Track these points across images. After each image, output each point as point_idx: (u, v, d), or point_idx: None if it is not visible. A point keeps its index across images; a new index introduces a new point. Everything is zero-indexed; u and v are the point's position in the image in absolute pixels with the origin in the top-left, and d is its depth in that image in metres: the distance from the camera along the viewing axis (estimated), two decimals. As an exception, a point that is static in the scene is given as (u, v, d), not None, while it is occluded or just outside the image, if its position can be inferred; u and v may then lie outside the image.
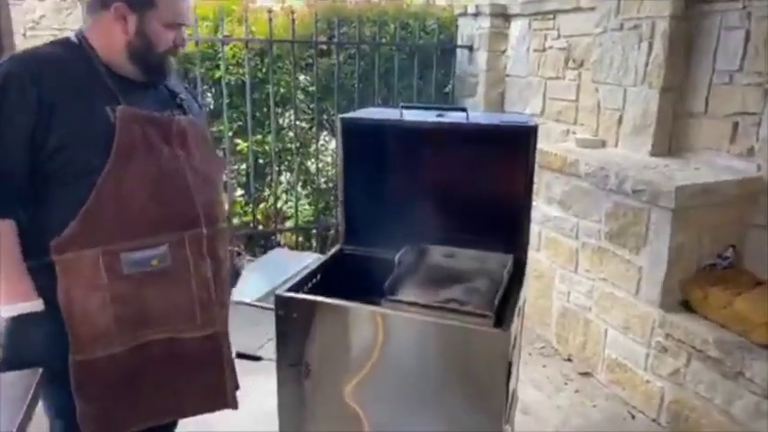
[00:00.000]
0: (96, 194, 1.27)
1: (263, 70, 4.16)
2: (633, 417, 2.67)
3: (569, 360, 3.14)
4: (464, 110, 1.90)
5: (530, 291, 3.18)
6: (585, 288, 3.00)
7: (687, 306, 2.53)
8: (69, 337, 1.31)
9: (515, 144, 1.86)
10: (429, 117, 1.96)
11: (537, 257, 3.31)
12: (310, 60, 4.26)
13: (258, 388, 2.71)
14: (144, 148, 1.33)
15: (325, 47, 4.31)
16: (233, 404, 1.61)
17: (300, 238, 4.44)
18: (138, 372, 1.40)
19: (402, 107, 1.96)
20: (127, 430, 1.45)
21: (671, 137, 2.93)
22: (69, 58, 1.33)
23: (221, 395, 1.57)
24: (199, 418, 2.52)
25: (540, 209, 3.21)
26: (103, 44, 1.36)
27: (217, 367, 1.54)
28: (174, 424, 1.84)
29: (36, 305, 1.29)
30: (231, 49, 4.10)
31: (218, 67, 4.01)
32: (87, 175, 1.27)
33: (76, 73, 1.32)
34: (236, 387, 1.68)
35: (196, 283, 1.43)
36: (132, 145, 1.31)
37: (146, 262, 1.34)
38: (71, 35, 1.38)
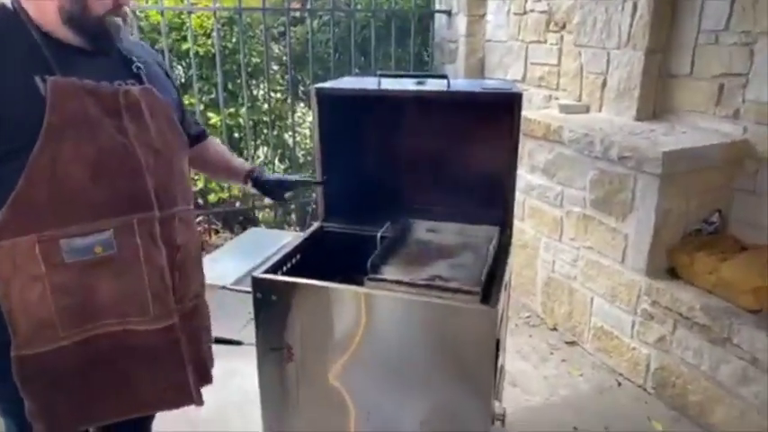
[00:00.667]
0: (27, 176, 1.15)
1: (234, 40, 3.99)
2: (620, 384, 2.67)
3: (555, 329, 3.13)
4: (445, 77, 1.81)
5: (514, 261, 3.15)
6: (571, 257, 2.97)
7: (673, 273, 2.51)
8: (9, 331, 1.21)
9: (499, 112, 1.79)
10: (408, 85, 1.87)
11: (521, 227, 3.26)
12: (282, 29, 4.10)
13: (241, 371, 2.67)
14: (81, 123, 1.19)
15: (297, 14, 4.14)
16: (197, 400, 1.48)
17: (279, 214, 4.34)
18: (89, 366, 1.29)
19: (380, 75, 1.86)
20: (81, 427, 1.37)
21: (655, 100, 2.87)
22: (1, 27, 1.19)
23: (183, 391, 1.44)
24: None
25: (524, 177, 3.15)
26: (36, 9, 1.21)
27: (176, 362, 1.40)
28: (150, 417, 1.76)
29: None
30: (199, 17, 3.92)
31: (185, 38, 3.83)
32: (16, 155, 1.15)
33: (7, 43, 1.18)
34: (206, 381, 1.56)
35: (148, 272, 1.30)
36: (66, 120, 1.17)
37: (88, 249, 1.22)
38: (7, 2, 1.23)
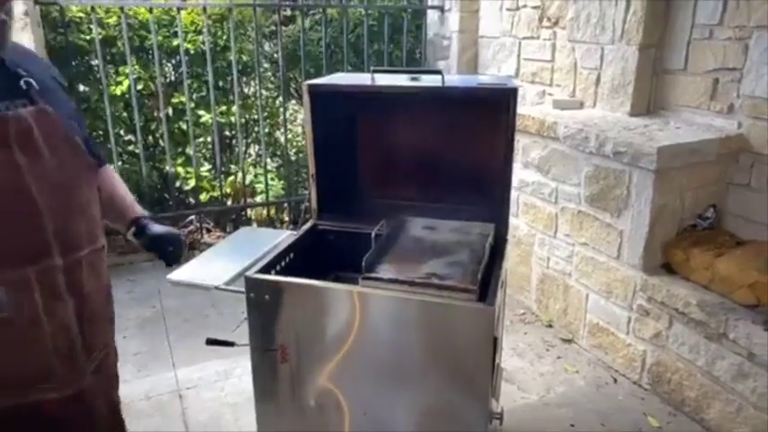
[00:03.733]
0: None
1: (224, 38, 3.94)
2: (616, 380, 2.66)
3: (550, 326, 3.12)
4: (439, 72, 1.79)
5: (509, 258, 3.13)
6: (565, 253, 2.96)
7: (669, 268, 2.50)
8: None
9: (494, 107, 1.77)
10: (402, 81, 1.84)
11: (515, 223, 3.25)
12: (274, 28, 4.06)
13: (235, 371, 2.65)
14: None
15: (289, 11, 4.10)
16: None
17: (272, 213, 4.31)
18: None
19: (373, 71, 1.84)
20: None
21: (650, 96, 2.86)
22: None
23: None
24: (176, 399, 2.43)
25: (518, 174, 3.14)
26: None
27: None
28: None
29: None
30: (189, 14, 3.87)
31: (175, 34, 3.78)
32: None
33: None
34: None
35: (51, 331, 1.10)
36: None
37: None
38: None
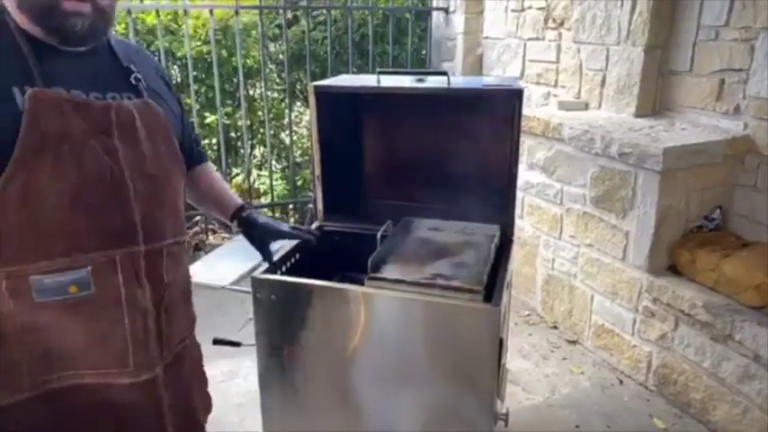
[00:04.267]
0: None
1: (229, 44, 3.96)
2: (621, 382, 2.66)
3: (555, 327, 3.12)
4: (444, 73, 1.79)
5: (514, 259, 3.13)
6: (570, 254, 2.95)
7: (674, 270, 2.49)
8: None
9: (500, 109, 1.77)
10: (408, 83, 1.85)
11: (520, 225, 3.25)
12: (277, 32, 4.07)
13: (240, 372, 2.65)
14: (63, 142, 1.02)
15: (294, 12, 4.12)
16: None
17: (277, 215, 4.32)
18: (55, 424, 1.11)
19: (379, 73, 1.84)
20: None
21: (655, 97, 2.86)
22: None
23: None
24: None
25: (523, 175, 3.14)
26: (9, 4, 1.03)
27: (158, 425, 1.22)
28: None
29: None
30: (195, 20, 3.89)
31: (180, 41, 3.81)
32: None
33: None
34: None
35: (129, 315, 1.13)
36: (45, 139, 1.00)
37: (61, 288, 1.05)
38: None
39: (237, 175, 4.27)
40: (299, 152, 4.39)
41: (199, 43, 3.90)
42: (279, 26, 4.01)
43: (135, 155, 1.12)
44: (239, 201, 1.57)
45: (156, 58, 3.68)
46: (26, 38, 1.04)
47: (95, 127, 1.07)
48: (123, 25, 3.69)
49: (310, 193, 4.31)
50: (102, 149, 1.07)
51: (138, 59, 1.24)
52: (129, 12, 3.48)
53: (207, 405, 1.47)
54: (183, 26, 3.67)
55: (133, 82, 1.18)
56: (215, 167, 1.69)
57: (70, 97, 1.05)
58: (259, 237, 1.56)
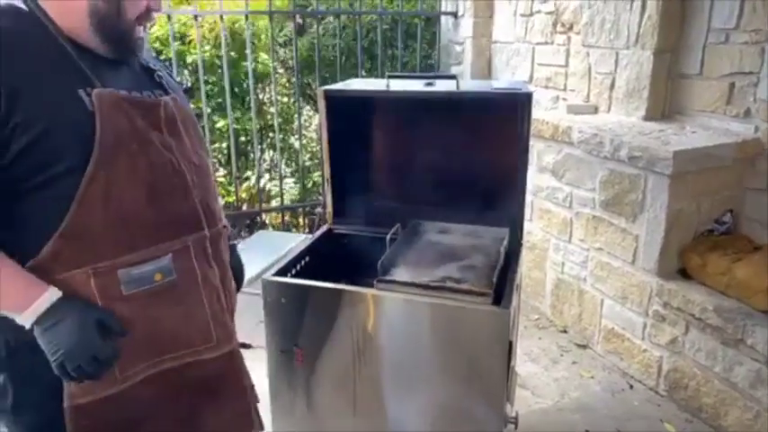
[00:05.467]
0: (80, 201, 1.02)
1: (238, 47, 4.00)
2: (632, 386, 2.64)
3: (565, 331, 3.11)
4: (454, 77, 1.80)
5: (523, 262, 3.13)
6: (580, 258, 2.95)
7: (685, 274, 2.48)
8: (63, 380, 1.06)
9: (509, 112, 1.78)
10: (417, 87, 1.86)
11: (529, 228, 3.24)
12: (288, 36, 4.11)
13: (253, 372, 2.66)
14: (132, 138, 1.08)
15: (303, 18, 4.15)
16: (259, 426, 1.40)
17: (287, 218, 4.34)
18: (152, 408, 1.17)
19: (388, 77, 1.86)
20: None
21: (665, 100, 2.85)
22: (23, 30, 1.03)
23: (246, 417, 1.36)
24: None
25: (532, 179, 3.13)
26: (61, 9, 1.06)
27: (239, 389, 1.32)
28: None
29: (53, 293, 1.02)
30: (207, 25, 3.94)
31: (188, 46, 3.86)
32: (66, 178, 1.01)
33: (35, 49, 1.02)
34: (257, 401, 1.46)
35: (207, 295, 1.20)
36: (118, 136, 1.05)
37: (148, 278, 1.10)
38: (17, 0, 1.07)
39: (248, 178, 4.29)
40: (308, 156, 4.41)
41: (208, 47, 3.94)
42: (287, 34, 4.04)
43: (182, 147, 1.19)
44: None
45: (168, 64, 3.75)
46: (71, 43, 1.07)
47: (151, 123, 1.13)
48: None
49: (320, 197, 4.33)
50: (161, 144, 1.13)
51: (150, 59, 1.30)
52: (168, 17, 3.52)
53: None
54: (194, 32, 3.71)
55: (157, 80, 1.23)
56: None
57: (128, 97, 1.10)
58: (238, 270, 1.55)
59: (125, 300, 1.09)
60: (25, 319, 1.01)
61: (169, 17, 3.58)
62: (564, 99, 3.43)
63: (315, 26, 3.98)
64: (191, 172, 1.19)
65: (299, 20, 4.01)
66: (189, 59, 3.94)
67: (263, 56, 4.06)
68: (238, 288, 1.55)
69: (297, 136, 4.26)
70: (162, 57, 3.82)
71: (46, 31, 1.05)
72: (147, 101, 1.15)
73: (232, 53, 4.03)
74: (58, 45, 1.05)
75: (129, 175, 1.08)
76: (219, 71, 3.87)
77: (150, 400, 1.16)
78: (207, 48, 3.95)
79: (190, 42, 3.97)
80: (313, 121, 4.57)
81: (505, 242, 1.78)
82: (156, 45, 3.82)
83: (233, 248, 1.53)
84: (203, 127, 3.84)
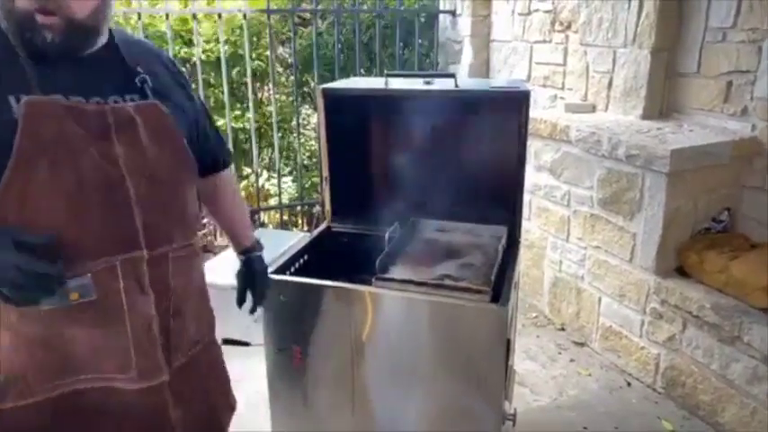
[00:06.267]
0: None
1: (238, 43, 4.00)
2: (629, 384, 2.66)
3: (563, 329, 3.12)
4: (452, 76, 1.80)
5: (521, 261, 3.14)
6: (578, 256, 2.96)
7: (682, 271, 2.49)
8: None
9: (507, 111, 1.78)
10: (416, 85, 1.86)
11: (527, 227, 3.25)
12: (288, 33, 4.11)
13: (249, 372, 2.66)
14: (58, 148, 1.01)
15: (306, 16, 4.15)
16: None
17: (285, 217, 4.34)
18: (66, 426, 1.12)
19: (387, 75, 1.86)
20: None
21: (662, 99, 2.86)
22: None
23: None
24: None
25: (530, 177, 3.14)
26: None
27: (163, 427, 1.21)
28: None
29: None
30: (204, 26, 3.93)
31: (188, 43, 3.85)
32: None
33: None
34: None
35: (132, 321, 1.11)
36: (41, 145, 0.99)
37: (64, 296, 1.04)
38: None
39: (247, 176, 4.30)
40: (306, 155, 4.41)
41: (205, 45, 3.94)
42: (288, 30, 4.05)
43: (138, 159, 1.10)
44: (249, 238, 1.57)
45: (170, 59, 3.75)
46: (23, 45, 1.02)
47: (92, 132, 1.05)
48: (134, 31, 3.74)
49: (318, 196, 4.33)
50: (101, 154, 1.05)
51: (146, 59, 1.20)
52: (139, 16, 3.53)
53: (229, 404, 1.46)
54: (192, 29, 3.71)
55: (138, 84, 1.14)
56: (235, 178, 1.66)
57: (65, 103, 1.03)
58: (252, 281, 1.57)
59: (41, 316, 1.05)
60: None
61: (167, 16, 3.58)
62: (562, 98, 3.44)
63: (313, 24, 3.98)
64: (139, 186, 1.09)
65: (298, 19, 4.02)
66: (203, 57, 3.94)
67: (265, 53, 4.06)
68: (257, 300, 1.56)
69: (295, 134, 4.27)
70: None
71: (3, 38, 1.02)
72: (88, 108, 1.05)
73: (233, 48, 4.02)
74: (12, 50, 1.01)
75: (49, 185, 1.01)
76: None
77: (59, 419, 1.12)
78: (205, 45, 3.95)
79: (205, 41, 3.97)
80: (311, 120, 4.58)
81: (503, 240, 1.78)
82: (159, 43, 3.82)
83: (251, 261, 1.54)
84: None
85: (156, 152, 1.13)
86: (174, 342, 1.21)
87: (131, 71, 1.15)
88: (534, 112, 3.14)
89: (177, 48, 3.80)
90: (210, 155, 1.41)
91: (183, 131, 1.21)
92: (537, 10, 3.58)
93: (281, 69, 4.36)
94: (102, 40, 1.13)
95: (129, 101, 1.12)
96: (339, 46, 4.09)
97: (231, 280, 1.72)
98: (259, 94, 4.32)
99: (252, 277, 1.56)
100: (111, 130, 1.07)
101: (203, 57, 3.87)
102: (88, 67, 1.09)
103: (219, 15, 3.72)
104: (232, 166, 1.58)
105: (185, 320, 1.24)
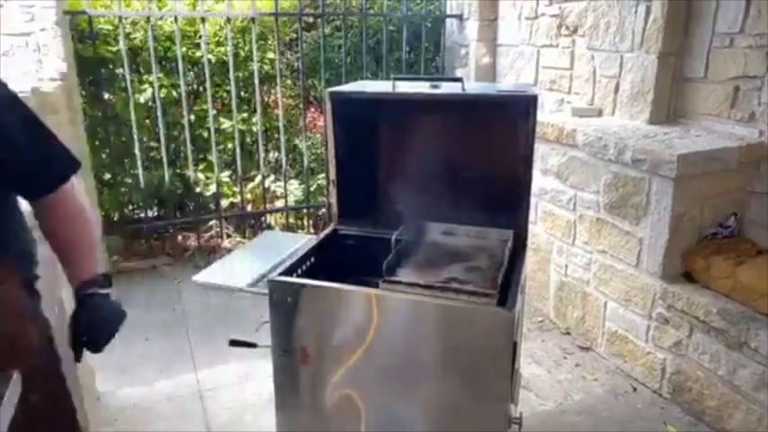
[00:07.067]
0: None
1: (246, 48, 4.02)
2: (635, 389, 2.65)
3: (568, 334, 3.11)
4: (459, 80, 1.81)
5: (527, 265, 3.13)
6: (584, 261, 2.95)
7: (689, 277, 2.49)
8: None
9: (514, 114, 1.78)
10: (423, 88, 1.87)
11: (533, 230, 3.25)
12: (294, 36, 4.12)
13: (255, 373, 2.68)
14: None
15: (310, 20, 4.16)
16: None
17: (291, 219, 4.35)
18: None
19: (394, 79, 1.87)
20: None
21: (669, 104, 2.85)
22: None
23: None
24: (197, 400, 2.47)
25: (537, 181, 3.14)
26: None
27: None
28: None
29: None
30: (212, 26, 3.95)
31: (197, 45, 3.87)
32: None
33: None
34: None
35: None
36: None
37: None
38: None
39: (254, 177, 4.32)
40: (312, 157, 4.43)
41: (215, 45, 3.96)
42: (295, 32, 4.06)
43: None
44: (88, 271, 1.27)
45: (174, 64, 3.77)
46: None
47: None
48: (142, 33, 3.76)
49: (323, 199, 4.34)
50: None
51: None
52: (147, 19, 3.55)
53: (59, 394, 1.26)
54: (201, 32, 3.73)
55: None
56: (82, 189, 1.32)
57: None
58: (85, 327, 1.25)
59: None
60: None
61: (176, 19, 3.61)
62: (568, 102, 3.44)
63: (321, 27, 4.00)
64: None
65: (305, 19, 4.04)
66: (195, 58, 3.96)
67: (271, 55, 4.07)
68: (93, 347, 1.25)
69: (301, 137, 4.28)
70: (170, 55, 3.84)
71: None
72: None
73: (241, 51, 4.04)
74: None
75: None
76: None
77: None
78: (213, 46, 3.96)
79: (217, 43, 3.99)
80: (318, 123, 4.59)
81: (510, 244, 1.78)
82: (168, 44, 3.84)
83: (86, 301, 1.24)
84: (208, 128, 3.86)
85: None
86: None
87: None
88: (541, 117, 3.14)
89: (185, 49, 3.82)
90: (41, 176, 1.23)
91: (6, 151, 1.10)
92: (544, 14, 3.59)
93: (287, 73, 4.37)
94: None
95: None
96: (346, 50, 4.11)
97: (240, 282, 1.74)
98: (266, 98, 4.33)
99: (82, 326, 1.24)
100: None
101: (211, 58, 3.89)
102: None
103: (228, 19, 3.74)
104: (79, 181, 1.31)
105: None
